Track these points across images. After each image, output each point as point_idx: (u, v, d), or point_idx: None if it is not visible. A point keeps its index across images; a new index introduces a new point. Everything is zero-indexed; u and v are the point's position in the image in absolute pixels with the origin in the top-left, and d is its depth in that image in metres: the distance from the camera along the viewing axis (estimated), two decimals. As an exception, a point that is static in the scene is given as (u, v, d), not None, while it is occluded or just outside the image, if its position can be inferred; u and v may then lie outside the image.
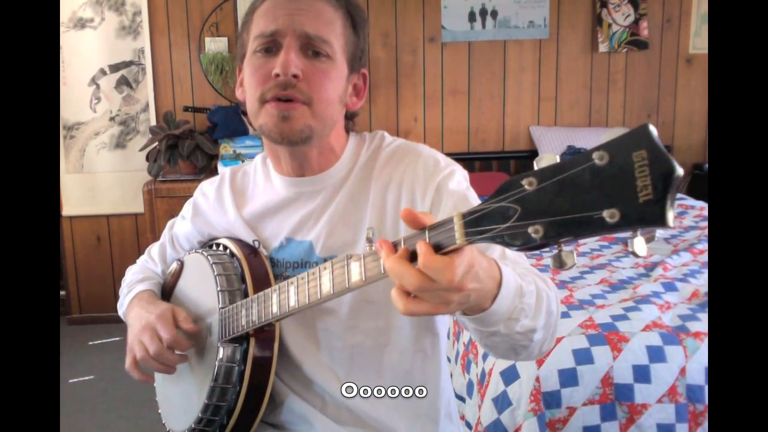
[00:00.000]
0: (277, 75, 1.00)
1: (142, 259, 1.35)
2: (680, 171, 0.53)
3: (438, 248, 0.69)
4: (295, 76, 1.00)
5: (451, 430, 1.16)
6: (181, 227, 1.27)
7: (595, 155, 0.57)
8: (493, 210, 0.63)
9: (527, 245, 0.61)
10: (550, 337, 0.92)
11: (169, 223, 1.32)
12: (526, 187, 0.61)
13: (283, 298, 0.96)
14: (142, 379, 1.18)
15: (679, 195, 3.39)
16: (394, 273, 0.70)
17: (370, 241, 0.79)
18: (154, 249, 1.34)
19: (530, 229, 0.60)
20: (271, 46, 1.03)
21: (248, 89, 1.06)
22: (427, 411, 1.12)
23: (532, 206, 0.61)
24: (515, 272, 0.84)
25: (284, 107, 1.01)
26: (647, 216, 0.54)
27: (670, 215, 0.53)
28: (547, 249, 0.64)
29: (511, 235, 0.62)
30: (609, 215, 0.55)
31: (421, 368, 1.11)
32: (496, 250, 0.97)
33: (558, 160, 0.60)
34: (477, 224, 0.65)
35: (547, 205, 0.60)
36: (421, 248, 0.68)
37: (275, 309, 0.98)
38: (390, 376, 1.09)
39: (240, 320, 1.05)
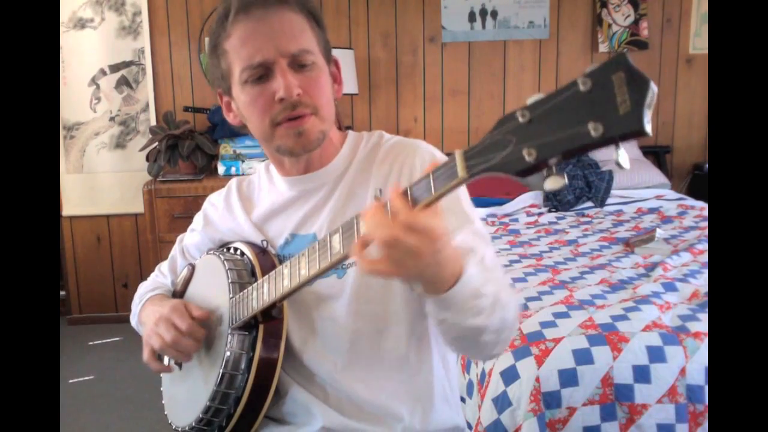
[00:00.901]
0: (282, 99, 1.05)
1: (152, 276, 1.39)
2: (654, 86, 0.60)
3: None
4: (297, 94, 1.05)
5: (447, 414, 1.17)
6: (191, 238, 1.32)
7: (579, 81, 0.63)
8: (491, 143, 0.70)
9: (522, 167, 0.67)
10: (502, 343, 1.00)
11: (179, 238, 1.37)
12: (520, 119, 0.67)
13: (294, 271, 1.00)
14: (161, 369, 1.23)
15: (679, 195, 3.39)
16: (373, 222, 0.79)
17: (378, 200, 0.83)
18: (164, 266, 1.38)
19: (524, 152, 0.66)
20: (262, 74, 1.06)
21: (252, 118, 1.10)
22: (426, 393, 1.15)
23: (525, 134, 0.67)
24: (483, 273, 0.92)
25: (297, 125, 1.07)
26: (627, 125, 0.60)
27: (647, 122, 0.59)
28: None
29: (506, 161, 0.68)
30: (593, 128, 0.61)
31: (417, 352, 1.14)
32: (476, 256, 1.01)
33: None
34: (477, 157, 0.71)
35: (539, 131, 0.66)
36: (399, 202, 0.77)
37: (286, 282, 1.02)
38: (388, 361, 1.12)
39: (251, 302, 1.09)
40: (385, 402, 1.12)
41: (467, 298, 0.89)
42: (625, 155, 0.63)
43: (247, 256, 1.16)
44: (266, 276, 1.08)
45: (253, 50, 1.05)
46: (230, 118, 1.16)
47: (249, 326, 1.10)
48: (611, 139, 0.61)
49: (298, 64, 1.06)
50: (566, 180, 0.69)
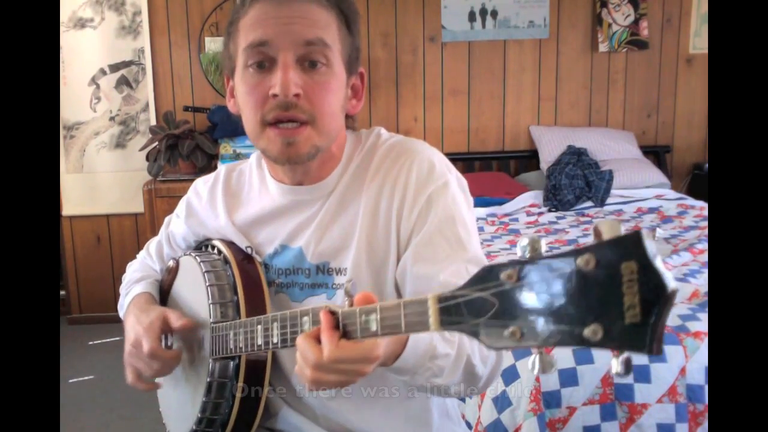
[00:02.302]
0: (276, 95, 0.95)
1: (141, 255, 1.33)
2: (673, 288, 0.49)
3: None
4: (296, 95, 0.95)
5: (448, 428, 1.14)
6: (177, 226, 1.25)
7: (579, 260, 0.52)
8: (470, 300, 0.60)
9: (502, 346, 0.58)
10: (480, 388, 0.97)
11: (166, 219, 1.29)
12: (505, 281, 0.57)
13: (267, 334, 0.93)
14: (148, 388, 1.16)
15: (679, 194, 3.39)
16: (300, 349, 0.80)
17: (349, 295, 0.79)
18: (152, 245, 1.31)
19: (506, 332, 0.57)
20: (263, 61, 0.97)
21: (245, 110, 1.01)
22: (418, 413, 1.09)
23: (510, 303, 0.57)
24: (438, 334, 0.86)
25: (288, 134, 0.97)
26: (632, 341, 0.50)
27: (656, 341, 0.49)
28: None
29: (486, 332, 0.59)
30: (591, 332, 0.52)
31: None
32: (439, 278, 0.95)
33: (543, 246, 0.56)
34: (452, 312, 0.62)
35: (526, 306, 0.56)
36: (328, 339, 0.76)
37: (260, 341, 0.95)
38: (379, 381, 1.06)
39: (228, 343, 1.02)
40: (375, 425, 1.07)
41: (419, 360, 0.84)
42: (625, 365, 0.52)
43: (230, 266, 1.09)
44: (243, 321, 1.00)
45: (260, 29, 0.96)
46: (230, 105, 1.07)
47: (231, 355, 1.04)
48: (611, 349, 0.52)
49: (308, 62, 0.97)
50: (556, 367, 0.59)
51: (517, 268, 0.57)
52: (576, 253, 0.52)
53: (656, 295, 0.49)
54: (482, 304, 0.59)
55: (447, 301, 0.63)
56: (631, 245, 0.50)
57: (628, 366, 0.52)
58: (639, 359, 1.71)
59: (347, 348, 0.76)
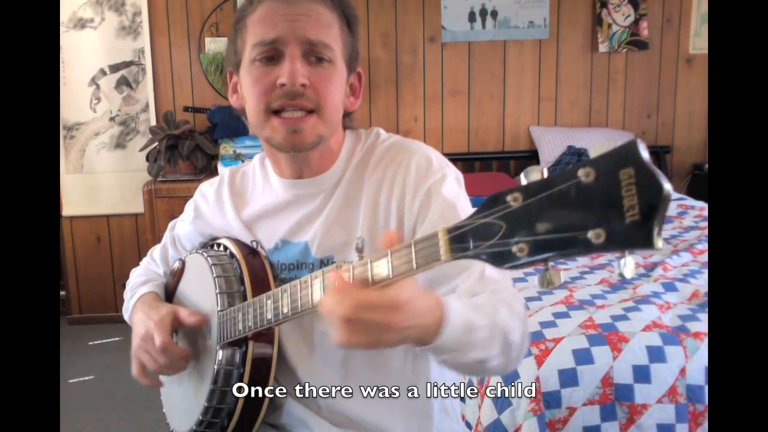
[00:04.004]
0: (283, 84, 0.99)
1: (144, 261, 1.35)
2: (669, 189, 0.52)
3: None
4: (302, 85, 1.00)
5: (448, 425, 1.16)
6: (182, 228, 1.28)
7: (580, 172, 0.55)
8: (478, 226, 0.63)
9: (512, 263, 0.61)
10: (513, 362, 0.93)
11: (170, 224, 1.32)
12: (512, 203, 0.60)
13: (277, 305, 0.95)
14: (150, 384, 1.18)
15: (679, 195, 3.39)
16: (326, 307, 0.74)
17: (359, 250, 0.80)
18: (156, 251, 1.34)
19: (515, 248, 0.59)
20: (272, 55, 1.01)
21: (250, 99, 1.05)
22: (420, 406, 1.12)
23: (516, 223, 0.60)
24: (469, 304, 0.86)
25: (293, 122, 1.01)
26: (633, 238, 0.52)
27: (658, 238, 0.52)
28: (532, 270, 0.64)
29: (495, 252, 0.61)
30: (594, 236, 0.54)
31: (412, 367, 1.11)
32: (476, 270, 0.96)
33: (545, 173, 0.59)
34: (462, 240, 0.64)
35: (532, 222, 0.58)
36: (349, 289, 0.72)
37: (269, 315, 0.97)
38: (384, 376, 1.09)
39: (237, 324, 1.04)
40: (378, 418, 1.09)
41: (459, 337, 0.83)
42: (630, 264, 0.55)
43: (236, 259, 1.12)
44: (252, 300, 1.03)
45: (270, 27, 1.01)
46: (233, 101, 1.11)
47: (239, 341, 1.07)
48: (614, 250, 0.55)
49: (314, 57, 1.02)
50: (561, 280, 0.62)
51: (522, 191, 0.59)
52: (575, 168, 0.56)
53: (654, 194, 0.51)
54: (490, 228, 0.61)
55: (456, 230, 0.64)
56: (628, 153, 0.53)
57: (630, 268, 0.55)
58: (639, 359, 1.71)
59: (371, 294, 0.73)
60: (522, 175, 0.60)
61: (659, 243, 0.52)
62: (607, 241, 0.54)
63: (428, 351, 0.83)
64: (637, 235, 0.52)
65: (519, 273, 2.30)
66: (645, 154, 0.53)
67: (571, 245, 0.56)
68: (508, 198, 0.60)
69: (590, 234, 0.54)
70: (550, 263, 0.61)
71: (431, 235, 0.68)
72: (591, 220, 0.54)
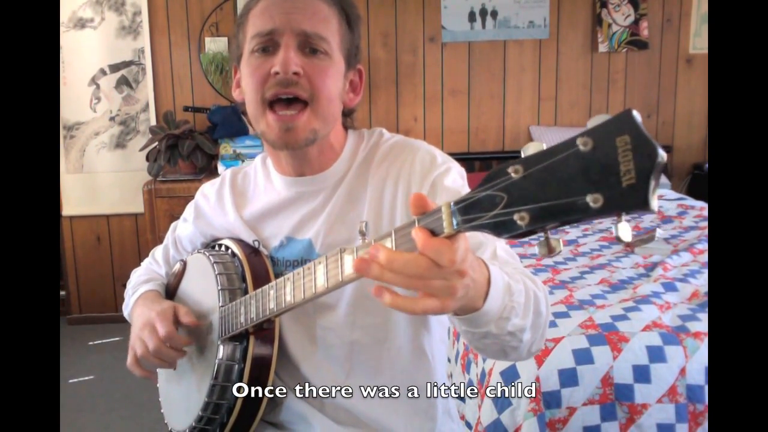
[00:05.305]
0: (277, 73, 1.00)
1: (146, 262, 1.36)
2: (663, 154, 0.54)
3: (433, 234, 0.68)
4: (295, 73, 1.01)
5: (450, 427, 1.16)
6: (184, 229, 1.28)
7: (579, 141, 0.57)
8: (480, 198, 0.64)
9: (514, 232, 0.62)
10: (539, 338, 0.91)
11: (172, 225, 1.33)
12: (512, 174, 0.62)
13: (279, 294, 0.95)
14: (143, 375, 1.18)
15: (679, 195, 3.39)
16: (397, 264, 0.67)
17: (363, 234, 0.79)
18: (157, 252, 1.35)
19: (516, 216, 0.61)
20: (268, 46, 1.03)
21: (247, 90, 1.06)
22: (425, 408, 1.12)
23: (518, 194, 0.61)
24: (503, 271, 0.83)
25: (287, 119, 1.02)
26: (630, 200, 0.54)
27: (653, 200, 0.54)
28: (534, 237, 0.65)
29: (497, 222, 0.62)
30: (593, 200, 0.56)
31: (418, 366, 1.11)
32: (488, 249, 0.96)
33: (544, 147, 0.61)
34: (465, 213, 0.65)
35: (532, 192, 0.60)
36: (419, 234, 0.67)
37: (272, 305, 0.97)
38: (388, 374, 1.10)
39: (239, 317, 1.05)
40: (381, 416, 1.09)
41: (502, 300, 0.80)
42: (626, 228, 0.58)
43: (238, 258, 1.12)
44: (254, 293, 1.03)
45: (267, 19, 1.03)
46: (236, 95, 1.12)
47: (239, 336, 1.07)
48: (612, 213, 0.56)
49: (309, 48, 1.03)
50: (562, 247, 0.64)
51: (522, 162, 0.61)
52: (573, 138, 0.58)
53: (650, 158, 0.53)
54: (492, 200, 0.63)
55: (459, 204, 0.65)
56: (624, 121, 0.55)
57: (627, 231, 0.58)
58: (639, 359, 1.71)
59: (435, 240, 0.67)
60: (522, 150, 0.62)
61: (654, 204, 0.54)
62: (604, 204, 0.56)
63: (473, 321, 0.79)
64: (633, 197, 0.54)
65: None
66: (640, 121, 0.55)
67: (571, 211, 0.58)
68: (509, 170, 0.62)
69: (588, 198, 0.56)
70: (550, 232, 0.63)
71: (435, 210, 0.69)
72: (589, 186, 0.56)
